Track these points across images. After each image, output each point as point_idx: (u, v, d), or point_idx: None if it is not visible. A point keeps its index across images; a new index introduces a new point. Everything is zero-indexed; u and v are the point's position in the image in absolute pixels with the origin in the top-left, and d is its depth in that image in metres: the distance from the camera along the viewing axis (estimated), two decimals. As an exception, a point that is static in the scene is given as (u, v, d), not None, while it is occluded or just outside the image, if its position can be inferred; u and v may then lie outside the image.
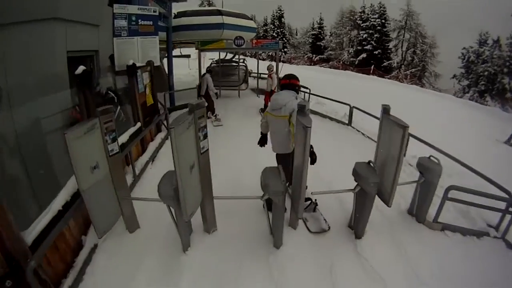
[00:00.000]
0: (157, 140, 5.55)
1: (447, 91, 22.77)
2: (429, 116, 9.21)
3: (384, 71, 25.89)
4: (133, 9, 5.14)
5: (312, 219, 3.20)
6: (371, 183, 2.60)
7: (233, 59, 11.62)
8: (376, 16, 28.43)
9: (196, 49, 9.65)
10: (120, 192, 2.76)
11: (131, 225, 2.96)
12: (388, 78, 22.99)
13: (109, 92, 4.57)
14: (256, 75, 11.37)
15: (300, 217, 2.82)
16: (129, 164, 4.06)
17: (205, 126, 2.49)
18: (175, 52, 13.79)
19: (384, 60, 27.85)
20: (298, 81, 3.12)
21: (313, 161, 2.83)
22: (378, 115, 2.82)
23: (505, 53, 18.13)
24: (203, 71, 7.87)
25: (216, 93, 7.68)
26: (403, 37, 28.34)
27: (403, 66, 27.88)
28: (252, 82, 11.63)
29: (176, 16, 9.57)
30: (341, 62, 29.80)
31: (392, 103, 2.92)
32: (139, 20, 5.25)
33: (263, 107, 8.09)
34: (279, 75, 8.16)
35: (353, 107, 6.48)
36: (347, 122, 6.73)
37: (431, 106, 11.48)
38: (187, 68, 17.22)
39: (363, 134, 6.08)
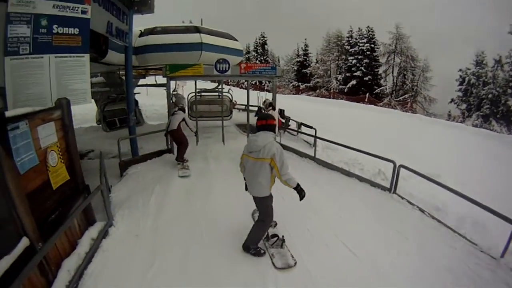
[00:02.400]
0: (83, 245, 2.91)
1: (442, 117, 21.61)
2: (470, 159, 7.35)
3: (375, 98, 24.65)
4: (44, 6, 3.08)
5: (279, 255, 3.00)
6: None
7: (216, 89, 9.40)
8: (365, 40, 27.53)
9: (163, 76, 6.88)
10: None
11: None
12: (381, 106, 21.74)
13: None
14: (242, 107, 9.26)
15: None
16: None
17: None
18: (149, 80, 11.37)
19: (375, 87, 26.64)
20: (274, 120, 2.97)
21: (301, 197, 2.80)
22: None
23: (507, 73, 17.03)
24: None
25: (196, 132, 6.01)
26: (393, 61, 27.19)
27: (394, 92, 26.61)
28: (237, 116, 9.51)
29: (142, 35, 7.43)
30: (331, 90, 28.39)
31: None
32: (55, 26, 3.16)
33: None
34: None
35: (401, 166, 4.23)
36: (388, 186, 4.47)
37: (456, 142, 9.74)
38: (165, 98, 15.02)
39: (432, 216, 3.77)
